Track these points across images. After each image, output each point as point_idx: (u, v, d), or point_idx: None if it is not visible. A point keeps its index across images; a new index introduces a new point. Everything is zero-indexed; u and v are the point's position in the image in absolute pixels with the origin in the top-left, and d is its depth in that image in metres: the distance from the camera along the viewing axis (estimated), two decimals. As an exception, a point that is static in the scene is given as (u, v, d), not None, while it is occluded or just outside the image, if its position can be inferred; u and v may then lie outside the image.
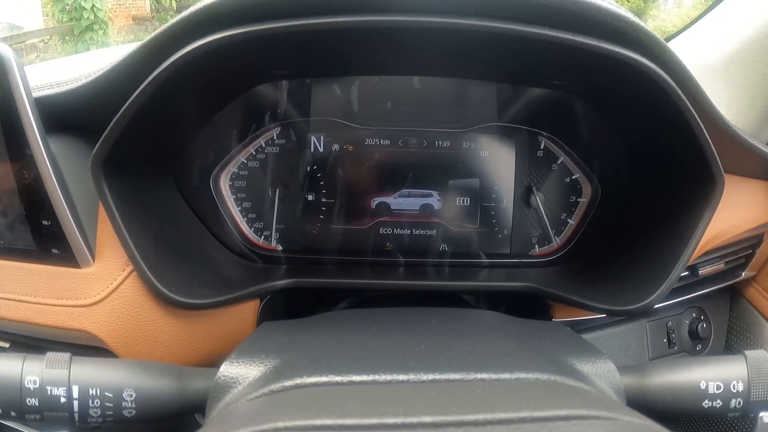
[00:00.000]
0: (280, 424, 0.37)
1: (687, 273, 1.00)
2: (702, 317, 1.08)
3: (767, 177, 0.98)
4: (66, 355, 0.56)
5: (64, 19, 9.53)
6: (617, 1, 0.67)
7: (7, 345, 0.87)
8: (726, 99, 1.02)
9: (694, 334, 1.06)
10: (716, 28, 1.11)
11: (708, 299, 1.08)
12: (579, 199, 0.99)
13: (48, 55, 9.35)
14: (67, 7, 9.41)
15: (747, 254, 1.05)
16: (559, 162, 0.98)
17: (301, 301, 0.98)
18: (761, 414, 0.56)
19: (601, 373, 0.56)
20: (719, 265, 1.02)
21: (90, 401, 0.55)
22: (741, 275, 1.06)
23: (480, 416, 0.38)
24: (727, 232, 0.95)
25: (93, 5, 9.29)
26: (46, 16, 10.42)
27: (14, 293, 0.80)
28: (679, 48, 1.13)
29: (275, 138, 0.96)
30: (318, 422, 0.37)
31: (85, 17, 9.33)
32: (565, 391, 0.48)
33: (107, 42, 9.53)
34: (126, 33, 10.94)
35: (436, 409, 0.39)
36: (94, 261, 0.79)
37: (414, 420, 0.38)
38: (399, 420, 0.38)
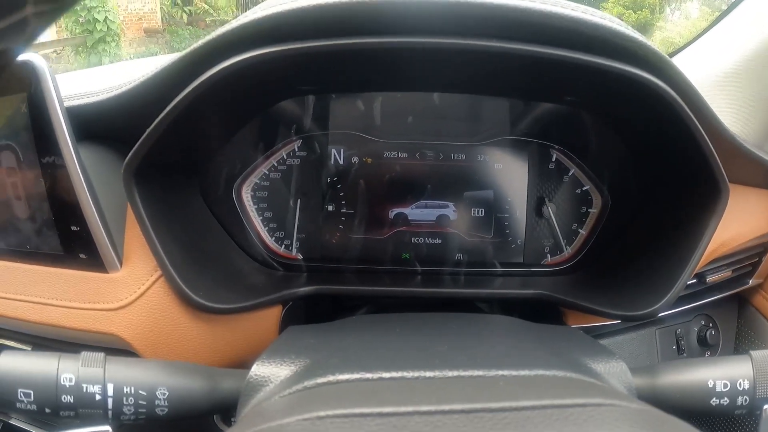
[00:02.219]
0: (322, 413, 0.40)
1: (695, 281, 1.02)
2: (710, 324, 1.09)
3: (772, 186, 1.00)
4: (101, 355, 0.58)
5: (77, 31, 9.63)
6: (625, 13, 0.70)
7: (29, 348, 0.88)
8: (731, 110, 1.03)
9: (702, 341, 1.07)
10: (721, 41, 1.12)
11: (716, 307, 1.09)
12: (590, 210, 1.01)
13: (60, 65, 9.45)
14: (81, 19, 9.50)
15: (754, 262, 1.06)
16: (570, 174, 1.00)
17: (320, 309, 0.99)
18: (766, 407, 0.58)
19: (614, 372, 0.59)
20: (726, 273, 1.03)
21: (124, 399, 0.56)
22: (748, 283, 1.07)
23: (506, 404, 0.41)
24: (733, 240, 0.96)
25: (106, 17, 9.39)
26: (59, 27, 10.53)
27: (40, 297, 0.81)
28: (685, 60, 1.16)
29: (296, 150, 0.98)
30: (357, 410, 0.40)
31: (98, 29, 9.43)
32: (582, 385, 0.50)
33: (119, 54, 9.62)
34: (137, 45, 11.03)
35: (465, 399, 0.42)
36: (121, 266, 0.81)
37: (446, 407, 0.41)
38: (432, 407, 0.41)
